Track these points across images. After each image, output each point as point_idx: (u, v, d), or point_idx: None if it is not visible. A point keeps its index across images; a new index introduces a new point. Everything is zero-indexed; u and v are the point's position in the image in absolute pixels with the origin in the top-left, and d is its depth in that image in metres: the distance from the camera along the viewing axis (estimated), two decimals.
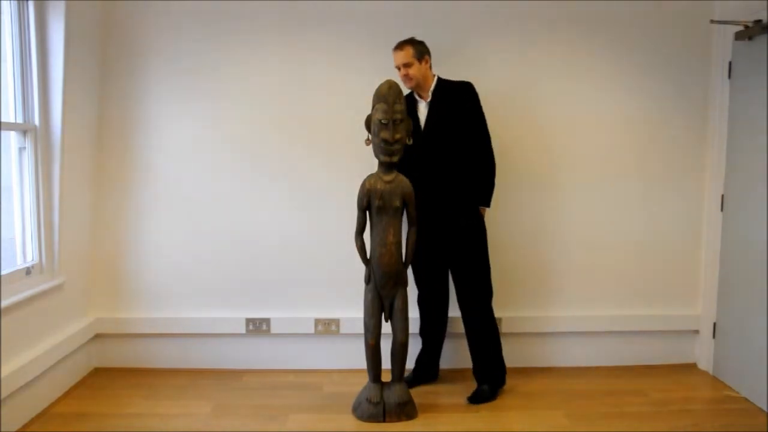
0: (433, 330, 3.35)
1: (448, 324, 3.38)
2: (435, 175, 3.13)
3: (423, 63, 3.11)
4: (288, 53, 3.47)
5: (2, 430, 2.66)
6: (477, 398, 3.15)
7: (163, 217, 3.52)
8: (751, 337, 3.19)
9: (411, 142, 2.95)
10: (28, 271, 2.99)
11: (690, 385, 3.42)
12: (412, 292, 3.29)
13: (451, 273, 3.23)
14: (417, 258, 3.14)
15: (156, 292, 3.55)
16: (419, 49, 3.09)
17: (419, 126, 3.14)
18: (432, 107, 3.14)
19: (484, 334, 3.20)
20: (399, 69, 3.11)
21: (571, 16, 3.49)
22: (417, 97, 3.18)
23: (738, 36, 3.26)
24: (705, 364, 3.60)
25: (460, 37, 3.47)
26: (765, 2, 3.05)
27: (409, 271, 3.20)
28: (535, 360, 3.65)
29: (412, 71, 3.08)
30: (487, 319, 3.19)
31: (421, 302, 3.35)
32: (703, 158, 3.60)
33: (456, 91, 3.15)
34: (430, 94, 3.15)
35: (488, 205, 3.21)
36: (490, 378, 3.20)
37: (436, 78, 3.18)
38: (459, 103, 3.14)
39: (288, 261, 3.55)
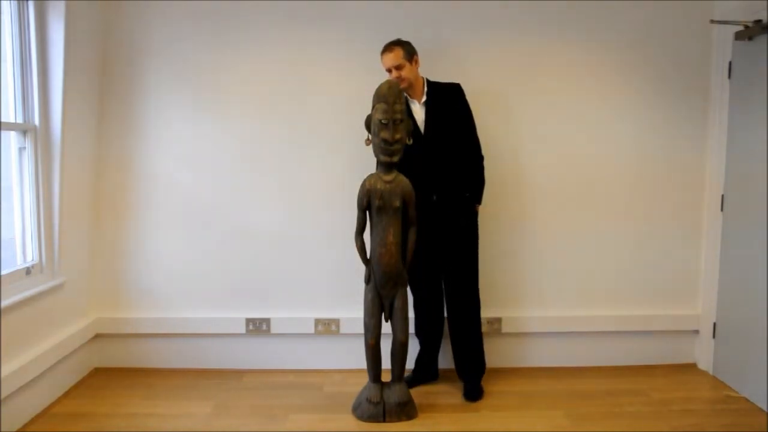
0: (431, 330, 3.35)
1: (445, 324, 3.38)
2: (436, 176, 3.13)
3: (413, 64, 3.10)
4: (288, 53, 3.47)
5: (2, 430, 2.66)
6: (471, 396, 3.18)
7: (163, 217, 3.52)
8: (751, 337, 3.19)
9: (411, 142, 2.95)
10: (28, 271, 2.99)
11: (690, 385, 3.42)
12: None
13: (444, 272, 3.24)
14: (415, 258, 3.15)
15: (156, 292, 3.55)
16: (408, 50, 3.08)
17: (417, 127, 3.13)
18: (429, 108, 3.14)
19: (470, 332, 3.23)
20: (390, 72, 3.09)
21: (570, 15, 3.49)
22: (409, 98, 3.17)
23: (738, 36, 3.26)
24: (705, 364, 3.60)
25: (462, 37, 3.46)
26: (765, 2, 3.05)
27: None
28: (535, 360, 3.65)
29: (404, 73, 3.06)
30: (473, 318, 3.22)
31: (418, 302, 3.35)
32: (703, 158, 3.60)
33: (448, 92, 3.17)
34: (424, 95, 3.15)
35: (480, 202, 3.24)
36: (474, 375, 3.24)
37: (425, 79, 3.18)
38: (452, 104, 3.16)
39: (288, 261, 3.55)
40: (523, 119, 3.53)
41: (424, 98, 3.15)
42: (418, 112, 3.16)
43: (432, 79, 3.21)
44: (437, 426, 2.93)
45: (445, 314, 3.33)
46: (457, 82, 3.20)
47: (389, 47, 3.09)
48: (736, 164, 3.36)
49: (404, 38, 3.17)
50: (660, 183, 3.61)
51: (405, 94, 3.15)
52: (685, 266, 3.66)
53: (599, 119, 3.57)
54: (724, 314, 3.45)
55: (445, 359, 3.45)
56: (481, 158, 3.23)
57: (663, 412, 3.06)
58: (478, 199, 3.23)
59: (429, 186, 3.11)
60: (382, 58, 3.12)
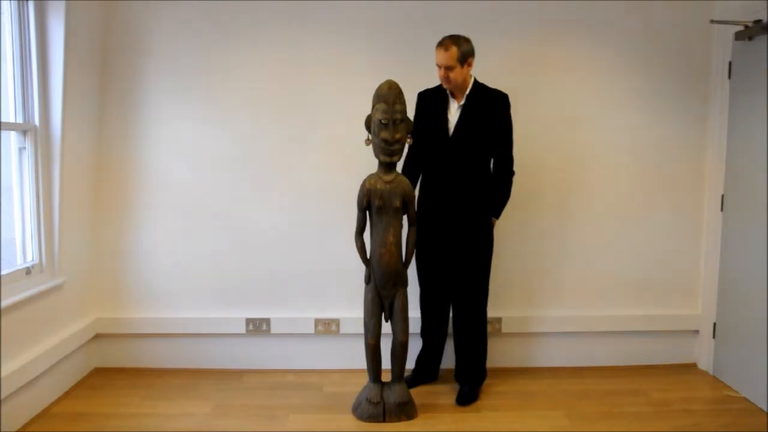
0: (436, 331, 3.33)
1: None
2: (458, 180, 3.07)
3: (465, 67, 2.96)
4: (288, 53, 3.47)
5: (2, 430, 2.66)
6: (463, 400, 3.15)
7: (163, 216, 3.52)
8: (751, 337, 3.19)
9: (411, 142, 2.94)
10: (28, 271, 2.99)
11: (690, 385, 3.42)
12: (412, 292, 3.29)
13: (454, 276, 3.18)
14: (427, 258, 3.14)
15: (156, 292, 3.55)
16: (464, 52, 2.93)
17: (447, 127, 3.07)
18: (464, 112, 3.04)
19: (475, 340, 3.21)
20: (439, 68, 2.98)
21: (570, 16, 3.49)
22: (450, 96, 3.09)
23: (738, 36, 3.26)
24: (705, 364, 3.60)
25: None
26: (765, 2, 3.05)
27: (412, 271, 3.18)
28: (535, 360, 3.65)
29: (453, 75, 2.94)
30: (479, 327, 3.20)
31: (425, 303, 3.32)
32: (703, 158, 3.60)
33: (491, 99, 3.05)
34: (464, 97, 3.05)
35: (498, 217, 3.18)
36: (471, 380, 3.22)
37: (473, 79, 3.07)
38: (491, 112, 3.04)
39: (288, 261, 3.55)
40: (520, 119, 3.51)
41: (463, 101, 3.06)
42: (453, 113, 3.07)
43: (481, 81, 3.10)
44: (437, 426, 2.93)
45: (451, 316, 3.30)
46: (505, 92, 3.09)
47: (446, 44, 2.92)
48: (736, 164, 3.36)
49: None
50: (660, 183, 3.61)
51: (447, 91, 3.08)
52: (685, 266, 3.66)
53: (599, 119, 3.57)
54: (724, 314, 3.45)
55: (446, 360, 3.45)
56: (511, 173, 3.13)
57: (663, 412, 3.07)
58: (496, 213, 3.16)
59: (448, 189, 3.07)
60: (436, 51, 2.97)
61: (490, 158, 3.12)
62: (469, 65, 3.00)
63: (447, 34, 3.10)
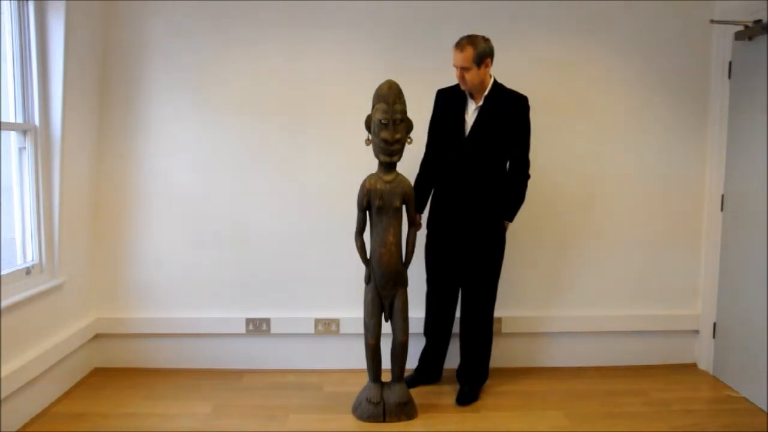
0: (441, 331, 3.32)
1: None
2: (473, 182, 3.04)
3: (482, 68, 2.91)
4: (289, 53, 3.47)
5: (2, 430, 2.66)
6: (463, 400, 3.15)
7: (164, 217, 3.52)
8: (751, 337, 3.19)
9: (411, 142, 2.94)
10: (28, 271, 2.99)
11: (690, 385, 3.42)
12: (413, 292, 3.29)
13: (464, 277, 3.18)
14: (438, 258, 3.15)
15: (156, 292, 3.55)
16: (480, 53, 2.87)
17: (463, 128, 3.04)
18: (481, 114, 3.01)
19: (480, 341, 3.20)
20: (456, 68, 2.94)
21: (570, 15, 3.49)
22: (469, 97, 3.05)
23: (738, 36, 3.26)
24: (705, 364, 3.60)
25: (454, 36, 3.46)
26: (765, 2, 3.06)
27: (412, 271, 3.18)
28: (536, 360, 3.65)
29: (468, 76, 2.91)
30: (486, 328, 3.20)
31: (431, 302, 3.31)
32: (703, 158, 3.60)
33: (509, 101, 3.01)
34: (482, 98, 3.00)
35: (511, 221, 3.17)
36: (472, 380, 3.22)
37: (492, 80, 3.03)
38: (509, 114, 3.00)
39: (288, 261, 3.55)
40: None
41: (481, 102, 3.01)
42: (471, 114, 3.04)
43: (500, 81, 3.05)
44: (437, 426, 2.93)
45: (458, 317, 3.29)
46: (525, 94, 3.04)
47: (462, 44, 2.88)
48: (736, 164, 3.36)
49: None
50: (660, 183, 3.61)
51: (467, 93, 3.04)
52: (685, 266, 3.66)
53: (597, 120, 3.57)
54: (724, 314, 3.45)
55: (447, 361, 3.44)
56: (526, 177, 3.09)
57: (663, 412, 3.07)
58: (509, 216, 3.14)
59: (462, 190, 3.05)
60: (453, 51, 2.93)
61: (506, 161, 3.09)
62: (487, 66, 2.94)
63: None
